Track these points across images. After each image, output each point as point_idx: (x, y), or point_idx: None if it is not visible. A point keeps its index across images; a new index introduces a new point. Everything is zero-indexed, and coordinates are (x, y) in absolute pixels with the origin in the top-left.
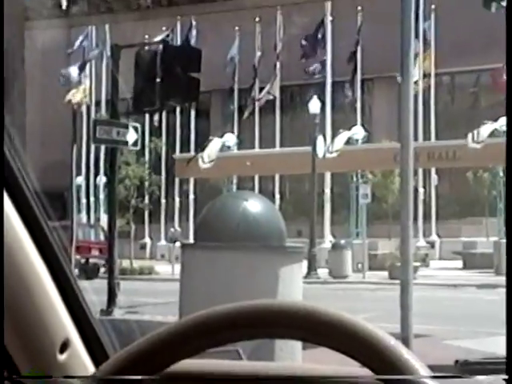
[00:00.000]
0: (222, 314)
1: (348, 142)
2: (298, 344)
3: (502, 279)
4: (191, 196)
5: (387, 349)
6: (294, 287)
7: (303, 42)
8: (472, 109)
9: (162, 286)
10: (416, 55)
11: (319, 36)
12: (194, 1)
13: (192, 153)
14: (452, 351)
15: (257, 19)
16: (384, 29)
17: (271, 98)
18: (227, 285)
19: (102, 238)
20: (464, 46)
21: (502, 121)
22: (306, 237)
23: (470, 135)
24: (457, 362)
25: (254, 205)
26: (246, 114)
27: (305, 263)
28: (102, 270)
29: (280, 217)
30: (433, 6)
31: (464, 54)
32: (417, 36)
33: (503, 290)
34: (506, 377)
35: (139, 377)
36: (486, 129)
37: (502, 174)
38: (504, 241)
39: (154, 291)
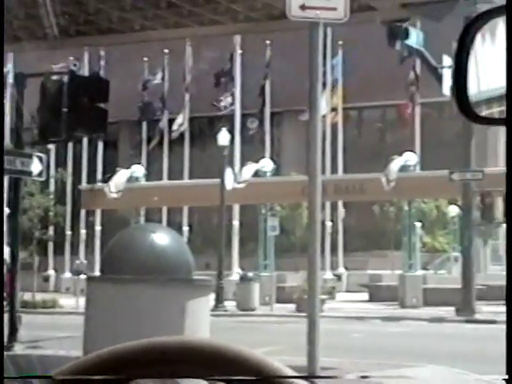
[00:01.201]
0: (126, 351)
1: (256, 174)
2: None
3: (407, 311)
4: (97, 227)
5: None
6: (201, 320)
7: (213, 75)
8: (378, 143)
9: (66, 319)
10: (324, 90)
11: (228, 69)
12: (102, 31)
13: (99, 184)
14: (355, 382)
15: (166, 51)
16: (293, 63)
17: (182, 129)
18: (133, 319)
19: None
20: (371, 82)
21: (408, 155)
22: (213, 269)
23: (382, 174)
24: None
25: (161, 237)
26: (152, 144)
27: (212, 296)
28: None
29: (188, 249)
30: (340, 42)
31: (371, 89)
32: (325, 71)
33: (408, 323)
34: (506, 377)
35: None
36: (394, 164)
37: (406, 207)
38: (409, 274)
39: (58, 325)
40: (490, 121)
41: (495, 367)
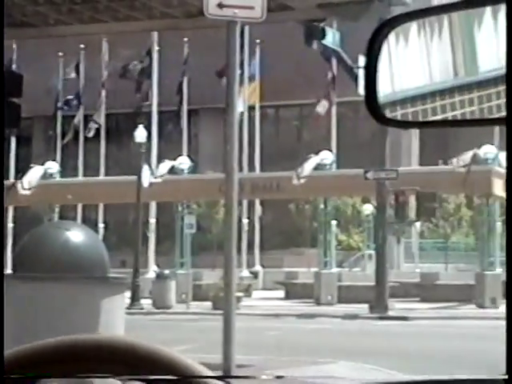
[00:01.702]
0: (38, 349)
1: (173, 171)
2: None
3: (322, 309)
4: (10, 224)
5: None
6: (116, 318)
7: (130, 71)
8: (295, 142)
9: None
10: (241, 88)
11: (146, 65)
12: (14, 24)
13: (12, 180)
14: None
15: (82, 46)
16: (211, 60)
17: (96, 126)
18: (48, 316)
19: None
20: (288, 81)
21: (324, 154)
22: (130, 267)
23: (294, 171)
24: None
25: (76, 234)
26: (66, 139)
27: (128, 294)
28: None
29: (103, 247)
30: (258, 41)
31: (288, 88)
32: (242, 69)
33: (323, 320)
34: (506, 377)
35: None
36: (310, 163)
37: (322, 206)
38: (324, 271)
39: None
40: (397, 123)
41: (406, 363)
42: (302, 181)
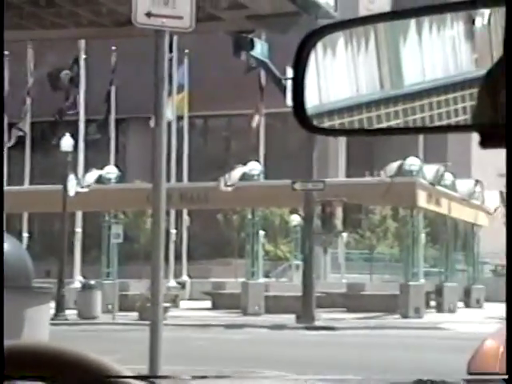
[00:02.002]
0: None
1: (100, 181)
2: None
3: (249, 319)
4: None
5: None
6: (40, 328)
7: (61, 79)
8: (224, 152)
9: None
10: (170, 97)
11: (73, 74)
12: None
13: None
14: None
15: (6, 53)
16: (139, 69)
17: (21, 134)
18: None
19: None
20: (217, 90)
21: (252, 165)
22: (54, 277)
23: (222, 178)
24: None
25: None
26: None
27: (53, 304)
28: None
29: (27, 256)
30: (186, 51)
31: (217, 98)
32: (171, 78)
33: (250, 330)
34: (506, 376)
35: None
36: (237, 172)
37: (250, 216)
38: (251, 281)
39: None
40: (325, 131)
41: (334, 372)
42: (230, 188)
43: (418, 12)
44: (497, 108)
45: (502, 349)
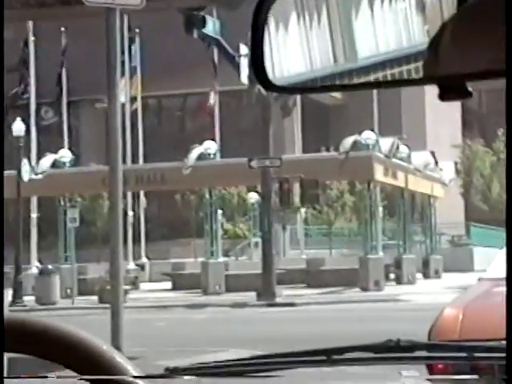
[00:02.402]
0: None
1: (55, 165)
2: None
3: (210, 298)
4: None
5: (97, 352)
6: None
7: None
8: (179, 132)
9: None
10: (122, 78)
11: (22, 56)
12: None
13: None
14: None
15: None
16: (90, 51)
17: None
18: None
19: None
20: (170, 70)
21: (208, 144)
22: (11, 263)
23: (182, 162)
24: (167, 369)
25: None
26: None
27: (10, 291)
28: None
29: None
30: (137, 30)
31: (170, 77)
32: (123, 59)
33: (211, 309)
34: (506, 377)
35: None
36: (195, 152)
37: (207, 195)
38: (211, 261)
39: None
40: (285, 89)
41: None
42: (194, 174)
43: None
44: (454, 61)
45: (461, 316)
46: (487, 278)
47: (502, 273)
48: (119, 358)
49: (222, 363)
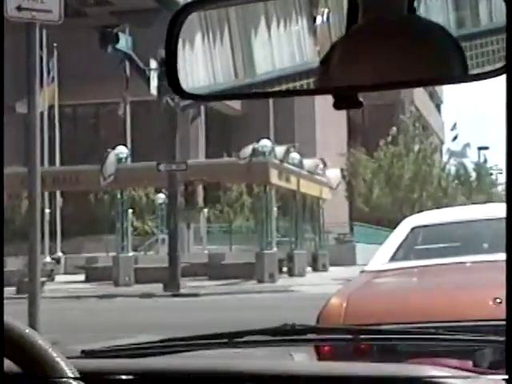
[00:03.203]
0: None
1: None
2: None
3: (120, 289)
4: None
5: (36, 348)
6: None
7: None
8: (93, 138)
9: None
10: (41, 88)
11: None
12: None
13: None
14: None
15: None
16: (12, 61)
17: None
18: None
19: None
20: (85, 82)
21: (119, 149)
22: None
23: (99, 171)
24: (83, 351)
25: None
26: None
27: None
28: None
29: None
30: (55, 44)
31: (85, 88)
32: (42, 70)
33: (121, 299)
34: (506, 376)
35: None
36: (110, 159)
37: (119, 196)
38: (122, 255)
39: None
40: (195, 96)
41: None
42: (110, 179)
43: None
44: (346, 75)
45: (345, 304)
46: (368, 270)
47: (381, 266)
48: (58, 358)
49: (134, 346)
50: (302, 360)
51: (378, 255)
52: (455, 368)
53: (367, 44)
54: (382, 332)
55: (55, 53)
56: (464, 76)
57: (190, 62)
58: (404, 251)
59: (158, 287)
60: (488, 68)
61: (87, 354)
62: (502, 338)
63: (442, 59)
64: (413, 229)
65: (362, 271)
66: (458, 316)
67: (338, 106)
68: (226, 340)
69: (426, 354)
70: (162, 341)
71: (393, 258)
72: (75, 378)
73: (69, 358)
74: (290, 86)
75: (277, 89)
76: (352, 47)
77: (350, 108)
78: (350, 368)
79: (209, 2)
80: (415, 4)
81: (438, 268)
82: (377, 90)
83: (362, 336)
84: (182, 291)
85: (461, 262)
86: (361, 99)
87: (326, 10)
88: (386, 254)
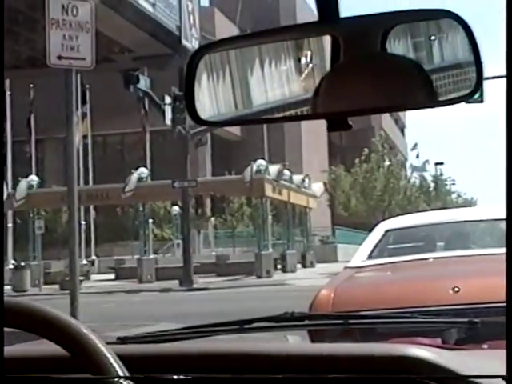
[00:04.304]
0: None
1: (28, 187)
2: None
3: (144, 285)
4: None
5: (80, 335)
6: None
7: None
8: (119, 161)
9: None
10: (77, 121)
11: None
12: None
13: None
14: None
15: None
16: (53, 100)
17: None
18: None
19: None
20: (112, 115)
21: (141, 170)
22: None
23: (124, 187)
24: (119, 337)
25: None
26: None
27: None
28: None
29: None
30: (87, 85)
31: (113, 120)
32: (77, 106)
33: (145, 294)
34: (507, 376)
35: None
36: (133, 178)
37: (141, 208)
38: (144, 257)
39: None
40: (215, 123)
41: (207, 320)
42: (128, 194)
43: (278, 31)
44: (337, 103)
45: (332, 295)
46: (350, 266)
47: (361, 263)
48: (95, 338)
49: (162, 332)
50: (296, 342)
51: (358, 254)
52: (427, 345)
53: (351, 77)
54: (366, 317)
55: (88, 92)
56: (433, 102)
57: (202, 95)
58: (379, 250)
59: (174, 283)
60: (453, 95)
61: (122, 340)
62: (463, 320)
63: (413, 87)
64: (386, 231)
65: (346, 267)
66: (425, 302)
67: (331, 128)
68: (237, 326)
69: (403, 334)
70: (184, 328)
71: (370, 256)
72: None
73: (108, 343)
74: (286, 113)
75: (275, 115)
76: (339, 80)
77: (342, 130)
78: (338, 348)
79: (217, 47)
80: (386, 44)
81: (407, 263)
82: (362, 114)
83: (351, 321)
84: (195, 286)
85: (425, 259)
86: (350, 122)
87: (309, 53)
88: (365, 252)
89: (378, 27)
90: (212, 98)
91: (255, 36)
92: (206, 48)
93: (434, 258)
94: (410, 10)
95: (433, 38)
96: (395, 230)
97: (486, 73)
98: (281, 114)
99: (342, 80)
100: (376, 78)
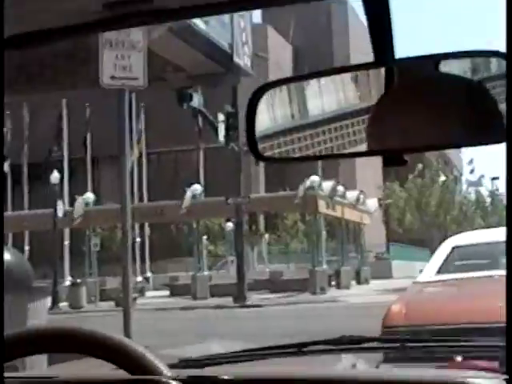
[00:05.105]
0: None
1: (84, 204)
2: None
3: (198, 302)
4: None
5: (136, 353)
6: (40, 318)
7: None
8: (174, 178)
9: None
10: (131, 140)
11: (60, 126)
12: None
13: None
14: (165, 359)
15: (7, 112)
16: (108, 119)
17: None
18: None
19: None
20: (167, 133)
21: (195, 187)
22: (50, 278)
23: (179, 202)
24: (180, 360)
25: (6, 256)
26: None
27: (49, 299)
28: None
29: (27, 263)
30: (142, 104)
31: (167, 138)
32: (131, 126)
33: (199, 310)
34: (507, 377)
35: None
36: (188, 195)
37: (195, 225)
38: (199, 274)
39: None
40: (274, 159)
41: (267, 341)
42: (184, 210)
43: (335, 71)
44: (394, 135)
45: (405, 309)
46: (419, 281)
47: (429, 278)
48: (155, 360)
49: (221, 355)
50: (358, 366)
51: (427, 269)
52: (485, 369)
53: (407, 110)
54: (423, 340)
55: (142, 111)
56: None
57: (263, 131)
58: (447, 266)
59: (228, 300)
60: None
61: (183, 363)
62: None
63: (480, 119)
64: (453, 248)
65: (415, 282)
66: (489, 318)
67: (387, 164)
68: (295, 349)
69: (461, 356)
70: (243, 351)
71: (438, 272)
72: (173, 378)
73: (169, 365)
74: (338, 125)
75: (335, 152)
76: (394, 111)
77: (398, 166)
78: (398, 373)
79: (278, 85)
80: (440, 65)
81: (473, 280)
82: (423, 151)
83: (407, 344)
84: (248, 303)
85: (490, 276)
86: (406, 158)
87: (365, 72)
88: (433, 268)
89: (431, 66)
90: (273, 134)
91: (313, 75)
92: (268, 86)
93: (499, 275)
94: (462, 51)
95: (484, 75)
96: (462, 246)
97: None
98: (340, 151)
99: (398, 112)
100: (434, 107)
